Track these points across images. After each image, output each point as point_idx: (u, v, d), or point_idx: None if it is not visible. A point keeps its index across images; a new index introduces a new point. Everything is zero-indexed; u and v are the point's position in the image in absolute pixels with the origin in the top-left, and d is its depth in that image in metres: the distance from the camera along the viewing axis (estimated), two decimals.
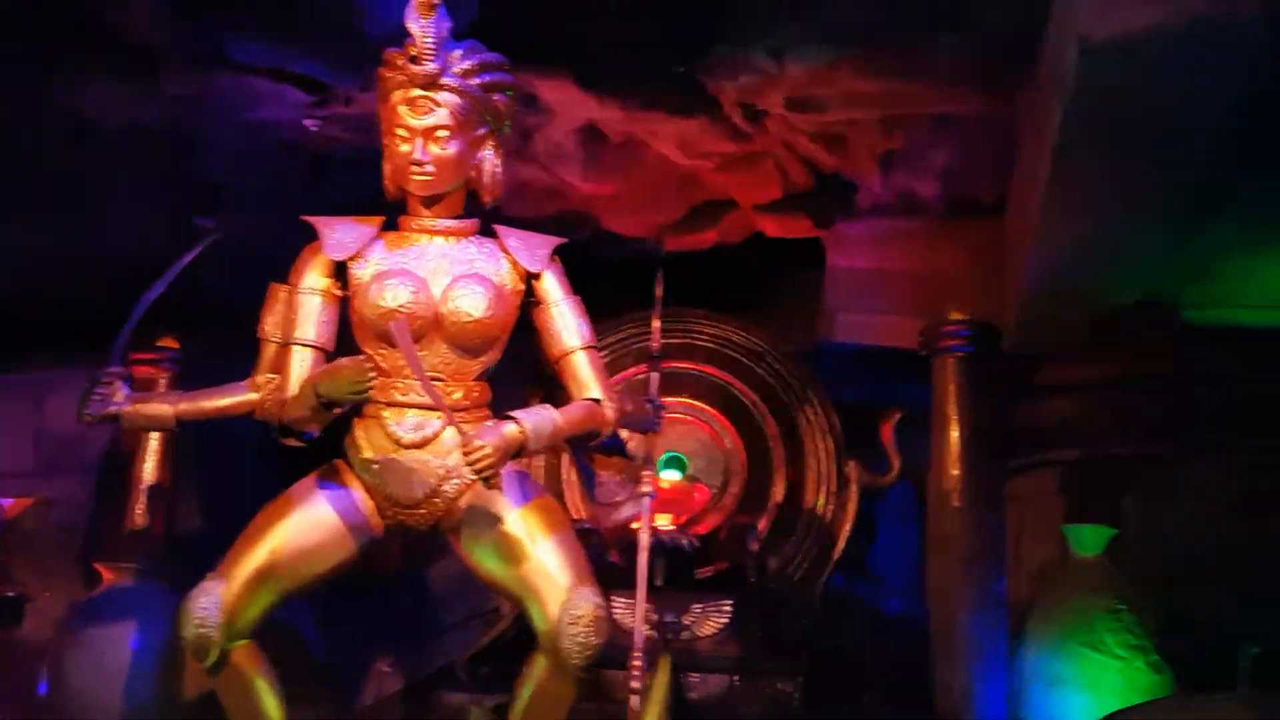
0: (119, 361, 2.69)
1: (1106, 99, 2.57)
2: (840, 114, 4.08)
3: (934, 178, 4.46)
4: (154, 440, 4.08)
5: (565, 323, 2.80)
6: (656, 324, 3.10)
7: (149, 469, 4.05)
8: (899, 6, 3.41)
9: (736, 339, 4.56)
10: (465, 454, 2.48)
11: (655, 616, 3.93)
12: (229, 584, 2.53)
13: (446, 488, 2.69)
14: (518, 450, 2.54)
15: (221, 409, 2.71)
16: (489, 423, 2.59)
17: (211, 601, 2.50)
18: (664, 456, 4.43)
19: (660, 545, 4.05)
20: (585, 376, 2.78)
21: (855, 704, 3.74)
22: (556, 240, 2.86)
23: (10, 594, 4.04)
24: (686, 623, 3.88)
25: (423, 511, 2.69)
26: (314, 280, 2.64)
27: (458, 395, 2.67)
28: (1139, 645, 3.10)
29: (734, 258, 5.13)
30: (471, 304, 2.66)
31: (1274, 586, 3.64)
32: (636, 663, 2.81)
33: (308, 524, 2.63)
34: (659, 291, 3.12)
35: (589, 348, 2.80)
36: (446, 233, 2.72)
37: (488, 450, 2.47)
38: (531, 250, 2.81)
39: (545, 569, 2.60)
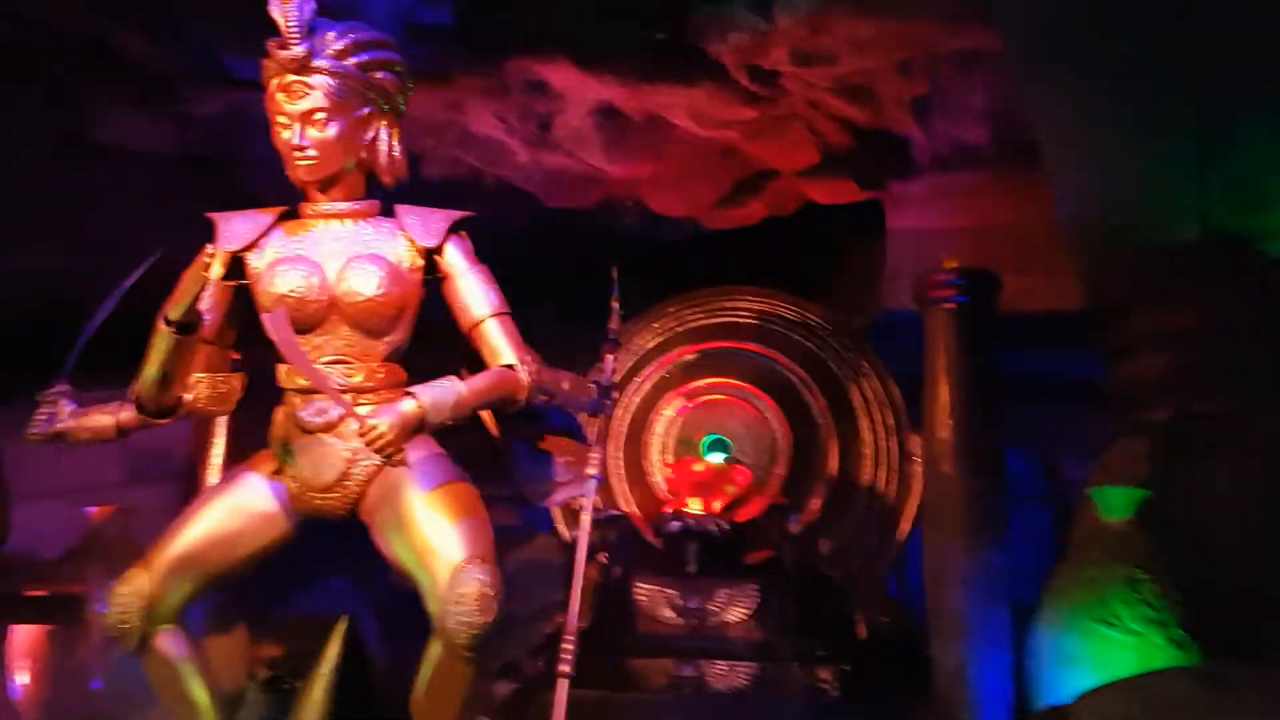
0: (64, 380, 2.80)
1: None
2: (852, 63, 3.83)
3: (978, 122, 4.12)
4: (217, 447, 4.26)
5: (472, 293, 2.73)
6: (615, 305, 2.99)
7: (210, 476, 4.24)
8: None
9: (785, 314, 4.34)
10: (360, 434, 2.47)
11: (680, 602, 3.79)
12: (150, 572, 2.61)
13: (355, 471, 2.68)
14: (418, 425, 2.50)
15: (149, 420, 2.77)
16: (386, 403, 2.57)
17: (132, 589, 2.59)
18: (706, 439, 4.28)
19: (688, 530, 3.91)
20: (497, 343, 2.71)
21: (901, 696, 3.45)
22: (457, 214, 2.80)
23: (79, 591, 4.31)
24: (712, 609, 3.71)
25: (335, 496, 2.69)
26: (198, 268, 2.65)
27: (358, 378, 2.65)
28: (1157, 619, 2.67)
29: (793, 230, 4.92)
30: (363, 283, 2.64)
31: None
32: (567, 645, 2.70)
33: (225, 512, 2.68)
34: (614, 273, 3.00)
35: (499, 314, 2.73)
36: (343, 215, 2.72)
37: (382, 429, 2.45)
38: (428, 225, 2.76)
39: (438, 549, 2.54)
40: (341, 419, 2.67)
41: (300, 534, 2.78)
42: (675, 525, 3.90)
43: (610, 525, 3.97)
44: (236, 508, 2.70)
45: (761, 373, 4.32)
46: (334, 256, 2.68)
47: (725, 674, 3.61)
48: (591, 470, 2.89)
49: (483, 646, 2.49)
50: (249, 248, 2.71)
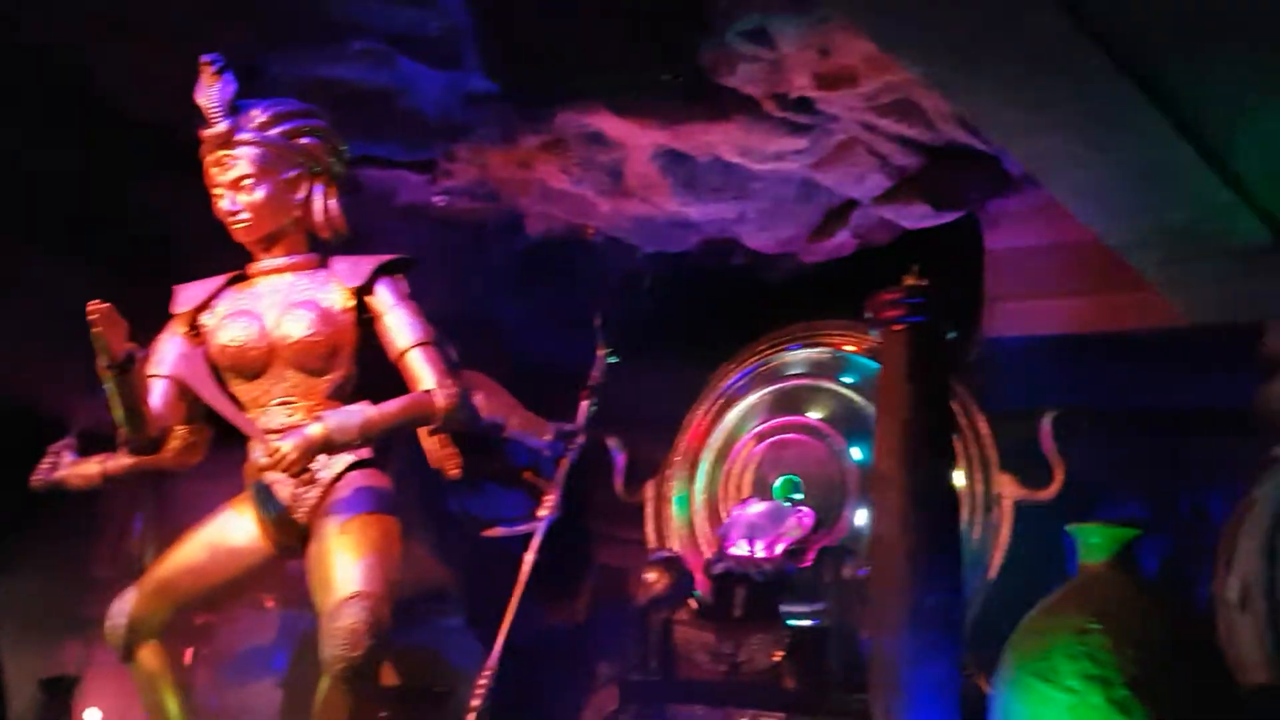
0: (72, 435, 3.24)
1: None
2: (877, 80, 3.67)
3: None
4: None
5: (398, 327, 2.89)
6: (600, 353, 3.05)
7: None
8: None
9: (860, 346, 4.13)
10: (267, 455, 2.70)
11: (716, 647, 3.68)
12: (138, 594, 2.97)
13: (300, 505, 2.90)
14: (323, 446, 2.69)
15: (136, 463, 3.13)
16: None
17: (122, 607, 2.96)
18: (780, 480, 4.15)
19: (731, 573, 3.81)
20: (418, 371, 2.84)
21: None
22: (385, 257, 2.98)
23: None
24: (744, 655, 3.56)
25: (286, 530, 2.92)
26: (165, 333, 2.99)
27: (299, 416, 2.87)
28: (1100, 676, 2.23)
29: (891, 258, 4.68)
30: (296, 326, 2.87)
31: None
32: (483, 681, 2.74)
33: (201, 544, 2.98)
34: (598, 322, 3.08)
35: (422, 344, 2.86)
36: (284, 269, 2.97)
37: (284, 449, 2.67)
38: (356, 269, 2.96)
39: (330, 581, 2.69)
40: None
41: (273, 566, 3.05)
42: (719, 567, 3.81)
43: (665, 566, 3.94)
44: (209, 542, 3.02)
45: (840, 411, 4.13)
46: (273, 307, 2.97)
47: None
48: (544, 511, 2.95)
49: (357, 678, 2.61)
50: (201, 309, 3.05)
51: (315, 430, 2.71)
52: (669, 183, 4.36)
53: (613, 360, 3.19)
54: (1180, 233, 3.09)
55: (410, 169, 4.55)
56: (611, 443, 4.51)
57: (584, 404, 3.05)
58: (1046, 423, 3.72)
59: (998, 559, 3.74)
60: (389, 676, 3.79)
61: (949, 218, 4.21)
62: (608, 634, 4.58)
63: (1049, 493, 3.69)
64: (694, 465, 4.41)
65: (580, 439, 3.08)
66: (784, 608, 3.71)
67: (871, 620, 2.90)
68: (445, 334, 3.09)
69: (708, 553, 4.13)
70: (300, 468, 2.70)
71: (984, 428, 3.90)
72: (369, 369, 3.11)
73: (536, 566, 2.95)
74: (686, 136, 4.11)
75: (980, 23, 2.31)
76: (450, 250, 4.96)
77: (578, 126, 4.18)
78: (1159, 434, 4.41)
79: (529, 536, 2.92)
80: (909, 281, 2.94)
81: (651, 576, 3.88)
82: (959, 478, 3.88)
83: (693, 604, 3.83)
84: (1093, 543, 2.56)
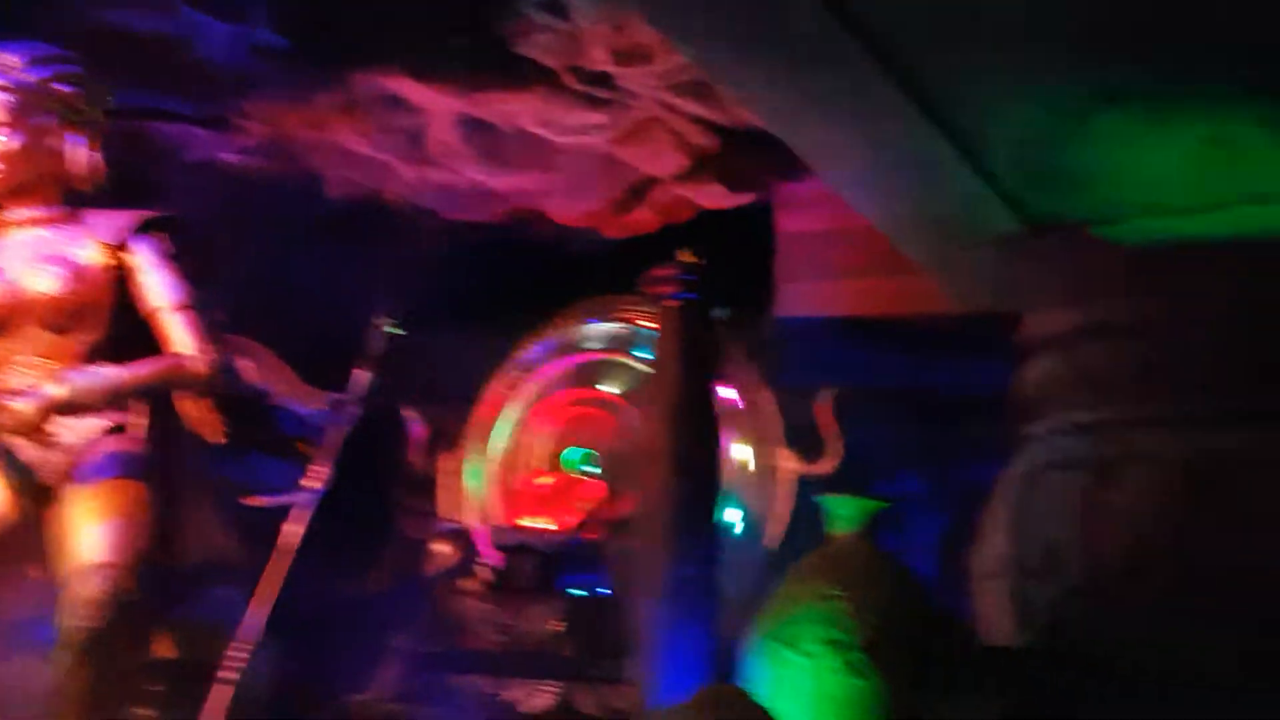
0: None
1: None
2: (670, 59, 3.70)
3: None
4: None
5: (155, 287, 2.78)
6: (380, 324, 2.99)
7: None
8: None
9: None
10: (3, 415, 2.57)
11: (498, 618, 3.70)
12: None
13: (45, 469, 2.77)
14: (65, 407, 2.57)
15: None
16: None
17: None
18: (569, 452, 4.18)
19: (521, 546, 3.83)
20: (175, 334, 2.74)
21: None
22: (145, 214, 2.87)
23: None
24: (526, 626, 3.60)
25: (36, 492, 2.78)
26: None
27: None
28: (839, 641, 2.36)
29: (692, 237, 4.76)
30: (45, 283, 2.74)
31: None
32: (238, 651, 2.68)
33: None
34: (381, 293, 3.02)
35: (182, 307, 2.77)
36: (34, 222, 2.83)
37: (17, 407, 2.55)
38: (112, 224, 2.84)
39: (74, 547, 2.59)
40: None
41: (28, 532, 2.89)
42: (507, 538, 3.82)
43: (453, 537, 3.93)
44: None
45: (635, 385, 4.19)
46: (19, 260, 2.80)
47: (530, 694, 3.49)
48: (310, 482, 2.88)
49: (98, 651, 2.51)
50: None
51: (55, 390, 2.59)
52: (471, 151, 4.32)
53: (395, 332, 3.14)
54: (943, 223, 3.24)
55: (200, 124, 4.37)
56: (408, 414, 4.46)
57: (358, 374, 2.99)
58: (825, 400, 3.85)
59: (778, 530, 3.86)
60: (165, 649, 3.66)
61: (745, 199, 4.31)
62: (402, 606, 4.53)
63: (826, 467, 3.82)
64: (489, 437, 4.40)
65: (354, 410, 3.03)
66: (569, 579, 3.75)
67: (636, 589, 2.97)
68: (218, 295, 2.99)
69: (499, 525, 4.14)
70: (37, 428, 2.57)
71: (769, 404, 4.01)
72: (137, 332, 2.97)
73: (320, 538, 2.89)
74: (487, 105, 4.07)
75: (749, 14, 2.37)
76: (244, 210, 4.80)
77: (374, 89, 4.09)
78: (938, 415, 4.63)
79: (295, 509, 2.86)
80: (683, 258, 2.99)
81: (439, 548, 3.86)
82: (742, 451, 3.99)
83: (481, 575, 3.83)
84: (841, 514, 2.68)
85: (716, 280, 3.37)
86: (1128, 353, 3.15)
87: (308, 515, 2.87)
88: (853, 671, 2.38)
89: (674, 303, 2.94)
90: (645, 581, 2.77)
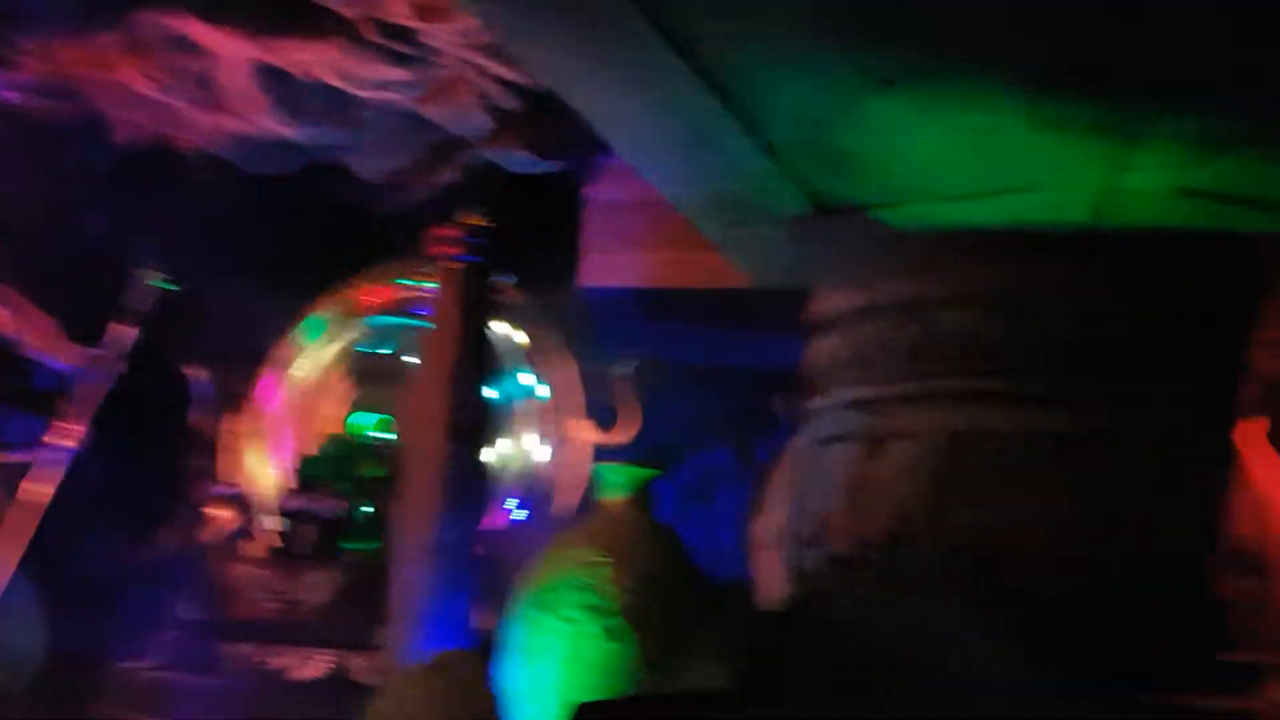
0: None
1: None
2: (462, 19, 3.61)
3: None
4: None
5: None
6: (142, 275, 2.82)
7: None
8: None
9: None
10: None
11: (271, 585, 3.59)
12: None
13: None
14: None
15: None
16: None
17: None
18: (359, 416, 4.09)
19: (302, 511, 3.72)
20: None
21: None
22: None
23: None
24: (301, 594, 3.51)
25: None
26: None
27: None
28: (598, 606, 2.40)
29: (500, 201, 4.69)
30: None
31: None
32: None
33: None
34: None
35: None
36: None
37: None
38: None
39: None
40: None
41: None
42: (290, 504, 3.71)
43: (232, 502, 3.79)
44: None
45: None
46: None
47: (303, 662, 3.40)
48: (59, 439, 2.71)
49: None
50: None
51: None
52: (268, 100, 4.14)
53: (164, 286, 3.00)
54: (731, 199, 3.26)
55: None
56: (193, 374, 4.27)
57: (118, 329, 2.83)
58: (623, 371, 3.87)
59: (574, 499, 3.85)
60: None
61: (553, 167, 4.27)
62: (180, 572, 4.36)
63: (622, 437, 3.84)
64: (277, 399, 4.26)
65: (116, 366, 2.87)
66: (350, 545, 3.67)
67: (396, 553, 2.92)
68: None
69: (281, 489, 4.02)
70: None
71: (569, 373, 4.00)
72: None
73: (90, 499, 2.74)
74: (282, 53, 3.91)
75: None
76: (21, 150, 4.50)
77: (160, 29, 3.88)
78: (746, 388, 4.72)
79: (38, 467, 2.69)
80: (468, 221, 2.93)
81: (218, 512, 3.72)
82: (537, 421, 3.98)
83: (260, 541, 3.71)
84: (613, 481, 2.69)
85: (517, 247, 3.33)
86: (899, 333, 3.26)
87: (59, 474, 2.71)
88: (610, 637, 2.39)
89: (454, 265, 2.88)
90: (407, 546, 2.72)
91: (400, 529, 2.87)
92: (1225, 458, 3.16)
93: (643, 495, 2.71)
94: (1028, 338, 3.04)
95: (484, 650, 2.48)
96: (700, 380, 4.63)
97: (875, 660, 2.28)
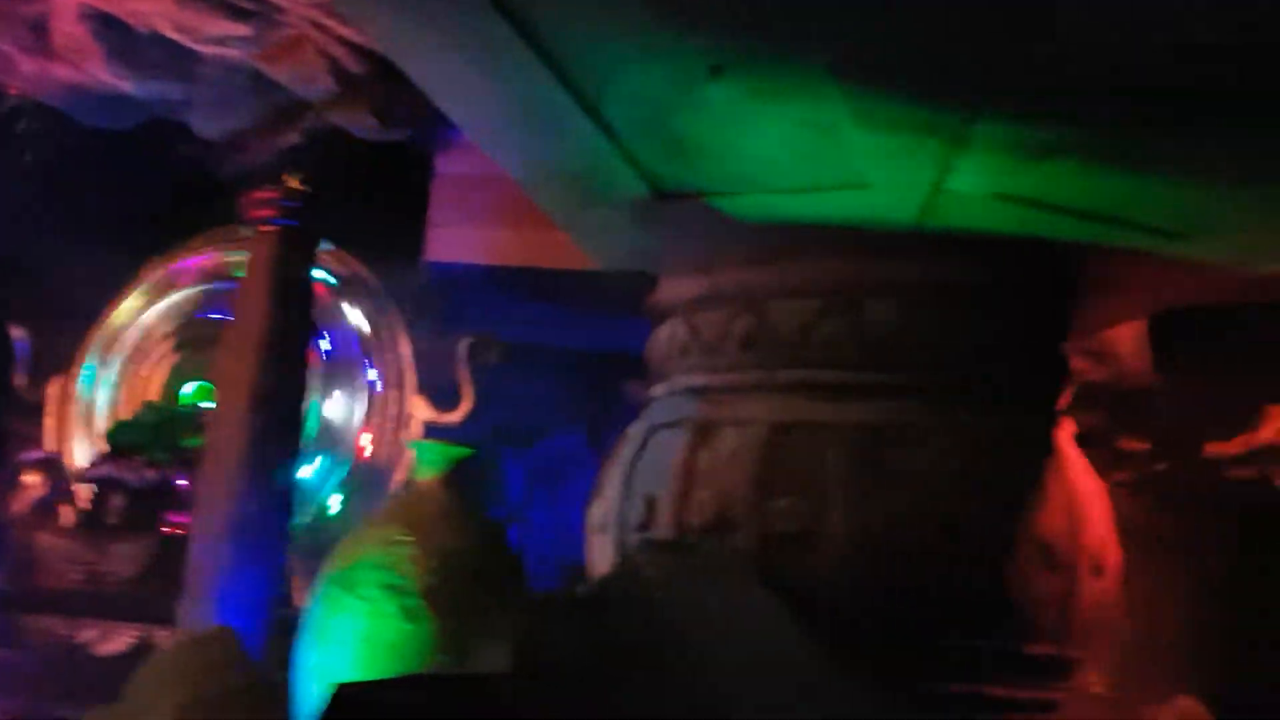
0: None
1: None
2: None
3: None
4: None
5: None
6: None
7: None
8: None
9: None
10: None
11: (77, 556, 3.44)
12: None
13: None
14: None
15: None
16: None
17: None
18: (186, 385, 3.94)
19: (110, 479, 3.56)
20: None
21: None
22: None
23: None
24: (107, 566, 3.37)
25: None
26: None
27: None
28: (397, 585, 2.37)
29: (347, 169, 4.57)
30: None
31: None
32: None
33: None
34: None
35: None
36: None
37: None
38: None
39: None
40: None
41: None
42: (98, 471, 3.56)
43: (41, 467, 3.61)
44: None
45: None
46: None
47: (106, 636, 3.26)
48: None
49: None
50: None
51: None
52: (101, 50, 3.96)
53: None
54: (570, 179, 3.23)
55: None
56: (15, 332, 4.06)
57: None
58: (461, 348, 3.81)
59: (404, 477, 3.79)
60: None
61: (399, 135, 4.17)
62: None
63: (456, 416, 3.78)
64: (104, 363, 4.08)
65: None
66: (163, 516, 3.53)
67: (194, 526, 2.82)
68: None
69: (94, 456, 3.85)
70: None
71: (404, 349, 3.92)
72: None
73: None
74: (117, 1, 3.73)
75: None
76: None
77: None
78: (598, 371, 4.70)
79: None
80: (287, 183, 2.84)
81: (28, 479, 3.54)
82: (369, 395, 3.90)
83: (67, 509, 3.55)
84: (426, 460, 2.64)
85: (356, 216, 3.23)
86: (735, 322, 3.27)
87: None
88: (407, 617, 2.35)
89: (270, 228, 2.78)
90: (205, 518, 2.62)
91: (200, 500, 2.77)
92: (1039, 455, 3.26)
93: (457, 474, 2.67)
94: (853, 332, 3.09)
95: (283, 628, 2.40)
96: (552, 362, 4.60)
97: (657, 643, 2.28)
